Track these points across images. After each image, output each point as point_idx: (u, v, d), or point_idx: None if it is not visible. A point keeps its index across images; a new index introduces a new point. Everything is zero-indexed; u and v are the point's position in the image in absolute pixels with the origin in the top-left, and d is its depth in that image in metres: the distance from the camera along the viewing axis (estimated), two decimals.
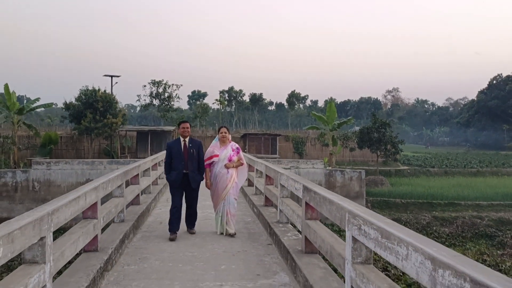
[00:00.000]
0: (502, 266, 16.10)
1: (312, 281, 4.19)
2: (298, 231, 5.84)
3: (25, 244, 3.02)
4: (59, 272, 4.26)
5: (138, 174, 8.63)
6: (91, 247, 5.04)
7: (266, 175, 8.59)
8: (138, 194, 8.45)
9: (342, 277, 4.03)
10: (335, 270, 4.47)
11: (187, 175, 6.64)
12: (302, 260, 4.87)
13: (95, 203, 5.08)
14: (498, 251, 19.88)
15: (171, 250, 6.04)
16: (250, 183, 12.08)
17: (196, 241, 6.48)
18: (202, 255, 5.79)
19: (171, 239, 6.49)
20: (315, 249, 4.96)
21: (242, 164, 7.03)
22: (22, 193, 21.83)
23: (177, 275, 4.97)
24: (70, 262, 4.58)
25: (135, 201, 8.26)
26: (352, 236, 3.42)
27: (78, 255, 4.93)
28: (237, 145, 7.12)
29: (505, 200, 26.09)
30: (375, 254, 3.26)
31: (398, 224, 2.91)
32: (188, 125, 6.85)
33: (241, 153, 7.13)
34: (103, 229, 5.72)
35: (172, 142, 6.92)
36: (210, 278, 4.87)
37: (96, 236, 5.09)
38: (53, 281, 3.66)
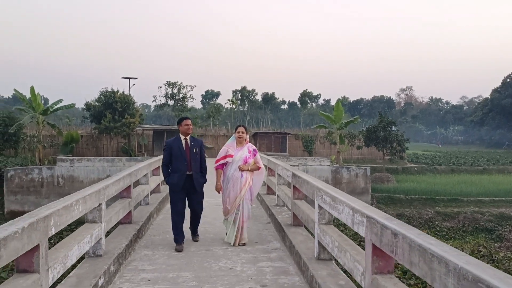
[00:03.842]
0: (495, 257, 17.11)
1: (295, 243, 5.56)
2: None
3: (91, 206, 4.46)
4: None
5: (159, 167, 10.07)
6: (126, 220, 6.49)
7: (268, 167, 9.97)
8: (159, 183, 9.91)
9: None
10: (313, 236, 5.81)
11: (190, 176, 6.01)
12: (290, 230, 6.25)
13: (129, 186, 6.54)
14: (496, 244, 20.92)
15: (188, 227, 7.44)
16: None
17: (208, 220, 7.86)
18: (212, 230, 7.19)
19: (178, 250, 5.89)
20: (301, 222, 6.32)
21: (259, 168, 6.30)
22: (48, 188, 23.21)
23: (193, 243, 6.38)
24: (107, 234, 6.01)
25: (156, 189, 9.72)
26: (318, 205, 4.78)
27: (115, 227, 6.37)
28: (254, 147, 6.41)
29: (506, 196, 26.94)
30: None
31: (341, 191, 4.27)
32: (190, 122, 6.19)
33: (258, 156, 6.39)
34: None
35: (171, 141, 6.15)
36: (218, 244, 6.28)
37: (130, 212, 6.54)
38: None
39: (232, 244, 6.15)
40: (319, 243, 4.75)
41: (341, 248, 3.94)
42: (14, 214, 21.10)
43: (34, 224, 3.01)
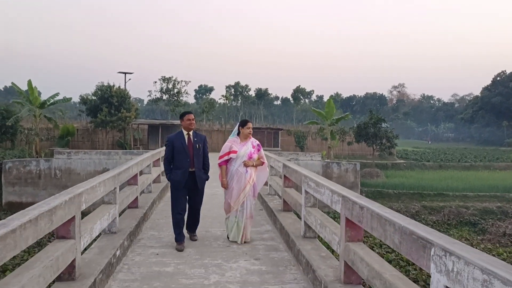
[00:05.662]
0: (476, 248, 17.98)
1: (284, 224, 6.31)
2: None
3: (109, 189, 5.17)
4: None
5: (159, 158, 10.78)
6: (134, 204, 7.20)
7: None
8: (160, 174, 10.61)
9: None
10: (301, 218, 6.57)
11: (193, 173, 5.82)
12: (280, 214, 7.00)
13: (136, 174, 7.25)
14: (478, 237, 21.94)
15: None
16: None
17: (207, 207, 8.57)
18: (211, 215, 7.94)
19: (178, 250, 5.66)
20: (290, 208, 7.07)
21: (262, 163, 6.16)
22: (45, 180, 23.62)
23: None
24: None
25: (157, 179, 10.42)
26: (305, 190, 5.53)
27: (123, 211, 7.07)
28: (257, 142, 6.24)
29: (490, 192, 27.99)
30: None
31: (323, 178, 5.02)
32: (193, 116, 5.96)
33: (262, 151, 6.23)
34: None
35: (174, 136, 5.90)
36: (216, 226, 7.03)
37: (137, 198, 7.26)
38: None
39: (238, 241, 5.98)
40: (305, 223, 5.50)
41: (322, 224, 4.69)
42: (12, 205, 21.67)
43: (72, 199, 3.71)
